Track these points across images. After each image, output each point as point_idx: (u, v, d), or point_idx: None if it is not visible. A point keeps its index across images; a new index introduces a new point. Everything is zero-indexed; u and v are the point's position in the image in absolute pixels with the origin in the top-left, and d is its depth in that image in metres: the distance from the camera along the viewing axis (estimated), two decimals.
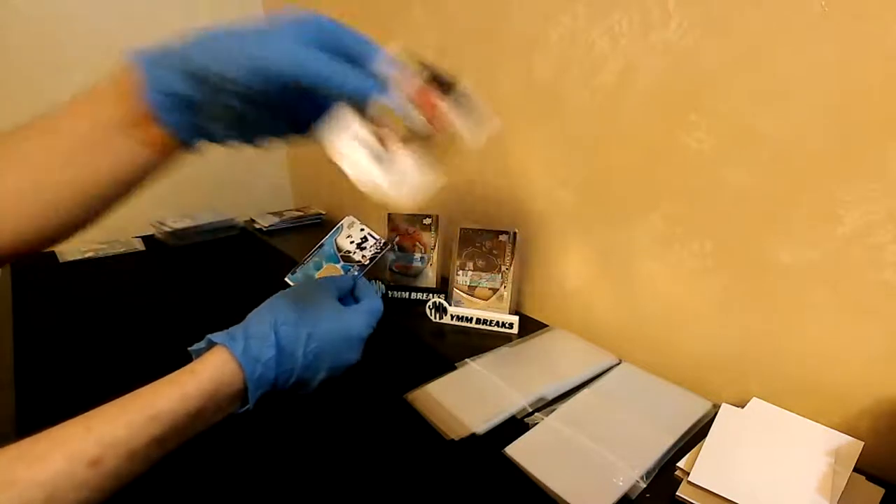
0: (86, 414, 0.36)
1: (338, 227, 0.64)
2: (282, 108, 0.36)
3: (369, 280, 0.80)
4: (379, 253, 0.63)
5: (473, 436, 0.52)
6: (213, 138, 0.38)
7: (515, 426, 0.53)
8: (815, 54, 0.44)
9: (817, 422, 0.50)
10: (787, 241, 0.49)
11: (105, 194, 0.37)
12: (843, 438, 0.48)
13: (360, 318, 0.48)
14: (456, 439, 0.51)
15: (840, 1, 0.42)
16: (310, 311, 0.46)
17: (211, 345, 0.43)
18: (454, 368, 0.62)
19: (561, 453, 0.49)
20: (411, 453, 0.50)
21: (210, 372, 0.40)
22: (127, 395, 0.38)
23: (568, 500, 0.44)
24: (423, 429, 0.53)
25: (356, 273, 0.57)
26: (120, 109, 0.35)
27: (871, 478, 0.45)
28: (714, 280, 0.56)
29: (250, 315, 0.46)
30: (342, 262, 0.63)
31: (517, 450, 0.50)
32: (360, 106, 0.34)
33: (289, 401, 0.58)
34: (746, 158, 0.50)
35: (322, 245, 0.65)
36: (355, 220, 0.63)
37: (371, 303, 0.51)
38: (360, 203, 1.12)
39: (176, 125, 0.36)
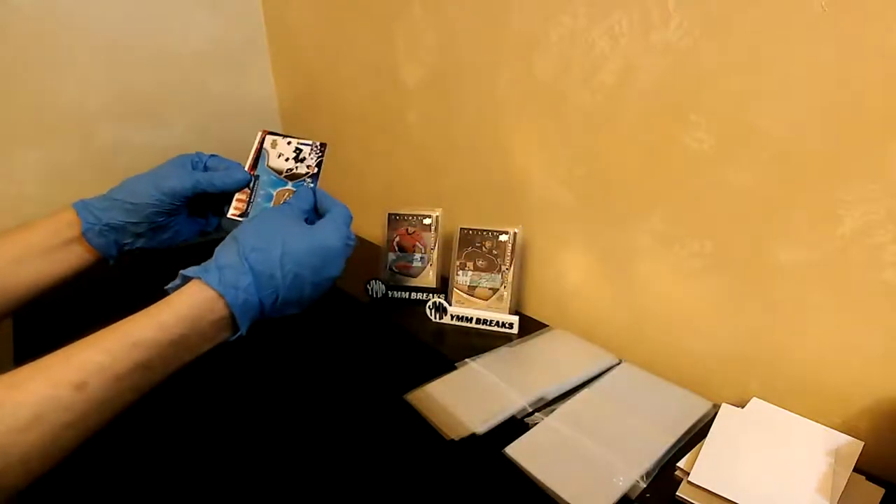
0: (66, 347, 0.37)
1: (261, 153, 0.58)
2: (184, 212, 0.54)
3: (372, 280, 0.80)
4: (321, 154, 0.60)
5: (473, 436, 0.52)
6: (133, 248, 0.54)
7: (515, 426, 0.53)
8: (815, 54, 0.44)
9: (817, 422, 0.50)
10: (787, 241, 0.49)
11: (33, 290, 0.50)
12: (843, 438, 0.48)
13: (330, 228, 0.49)
14: (456, 439, 0.51)
15: (840, 1, 0.42)
16: (276, 234, 0.46)
17: (186, 280, 0.44)
18: (454, 368, 0.62)
19: (561, 453, 0.49)
20: (411, 453, 0.50)
21: (187, 301, 0.41)
22: (104, 329, 0.39)
23: (568, 500, 0.44)
24: (423, 429, 0.53)
25: (311, 185, 0.57)
26: (61, 233, 0.50)
27: (871, 478, 0.45)
28: (714, 280, 0.56)
29: (217, 249, 0.46)
30: (290, 183, 0.58)
31: (517, 450, 0.50)
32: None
33: (289, 401, 0.58)
34: (746, 158, 0.50)
35: (258, 177, 0.58)
36: (273, 135, 0.59)
37: (337, 211, 0.51)
38: (359, 203, 1.12)
39: (100, 245, 0.52)
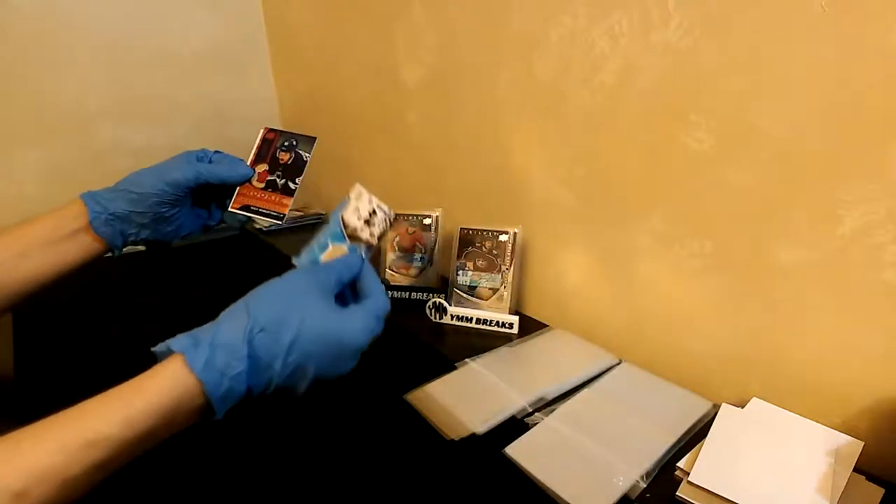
0: (14, 435, 0.32)
1: (345, 200, 0.56)
2: (187, 204, 0.55)
3: None
4: (388, 227, 0.57)
5: (473, 436, 0.52)
6: (136, 239, 0.54)
7: (515, 426, 0.53)
8: (815, 54, 0.44)
9: (817, 422, 0.50)
10: (787, 241, 0.49)
11: (41, 281, 0.50)
12: (843, 438, 0.48)
13: (358, 322, 0.41)
14: (456, 439, 0.51)
15: (840, 1, 0.42)
16: (297, 311, 0.39)
17: (169, 352, 0.37)
18: (454, 368, 0.62)
19: (561, 453, 0.49)
20: (411, 453, 0.50)
21: (161, 388, 0.35)
22: (64, 413, 0.34)
23: (568, 500, 0.44)
24: (423, 429, 0.53)
25: (362, 255, 0.50)
26: (68, 224, 0.51)
27: (871, 478, 0.45)
28: (714, 280, 0.56)
29: (224, 313, 0.39)
30: (348, 242, 0.54)
31: (517, 450, 0.50)
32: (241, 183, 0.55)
33: (288, 401, 0.58)
34: (746, 158, 0.50)
35: (328, 221, 0.58)
36: (363, 189, 0.56)
37: (375, 301, 0.44)
38: None
39: (106, 235, 0.52)
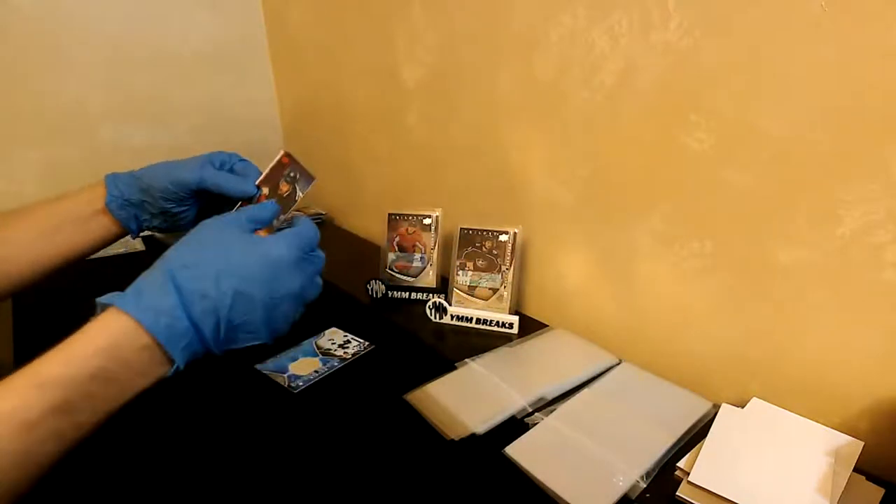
0: None
1: (320, 333, 0.66)
2: (194, 205, 0.55)
3: (372, 280, 0.80)
4: (362, 351, 0.65)
5: (473, 436, 0.52)
6: (150, 225, 0.55)
7: (515, 426, 0.53)
8: (815, 54, 0.44)
9: (817, 422, 0.50)
10: (787, 241, 0.49)
11: (69, 257, 0.52)
12: (843, 438, 0.48)
13: (281, 240, 0.42)
14: (456, 439, 0.51)
15: (840, 1, 0.42)
16: (213, 247, 0.40)
17: (102, 307, 0.38)
18: (454, 368, 0.62)
19: (561, 453, 0.49)
20: (411, 453, 0.50)
21: (99, 330, 0.36)
22: (15, 371, 0.34)
23: (568, 500, 0.44)
24: (423, 429, 0.53)
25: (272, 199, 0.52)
26: (93, 203, 0.52)
27: (871, 478, 0.45)
28: (714, 280, 0.56)
29: (143, 272, 0.41)
30: (321, 356, 0.64)
31: (517, 450, 0.50)
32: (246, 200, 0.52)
33: (288, 400, 0.58)
34: (746, 158, 0.50)
35: (300, 344, 0.66)
36: (338, 330, 0.66)
37: (298, 224, 0.45)
38: (359, 203, 1.12)
39: (122, 218, 0.53)
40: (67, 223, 0.51)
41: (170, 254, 0.40)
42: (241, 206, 0.53)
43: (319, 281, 0.45)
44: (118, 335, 0.36)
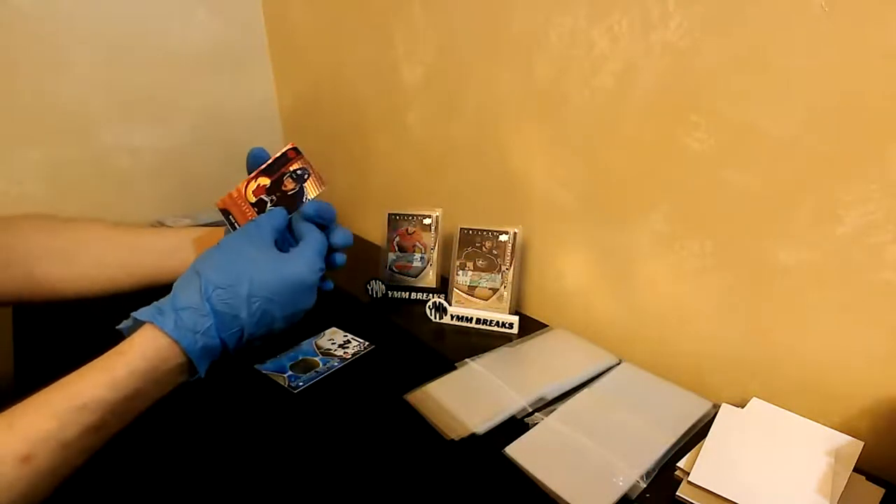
0: (10, 410, 0.34)
1: (320, 334, 0.67)
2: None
3: (372, 280, 0.80)
4: (362, 351, 0.66)
5: (473, 436, 0.52)
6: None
7: (515, 426, 0.53)
8: (816, 54, 0.44)
9: (817, 422, 0.50)
10: (787, 241, 0.49)
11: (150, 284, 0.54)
12: (843, 438, 0.48)
13: (301, 260, 0.45)
14: (456, 439, 0.51)
15: (840, 1, 0.42)
16: (243, 268, 0.43)
17: (138, 323, 0.40)
18: (454, 368, 0.62)
19: (561, 453, 0.49)
20: (411, 453, 0.50)
21: (140, 352, 0.38)
22: (52, 386, 0.36)
23: (568, 500, 0.44)
24: (423, 429, 0.53)
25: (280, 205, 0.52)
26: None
27: (871, 478, 0.45)
28: (714, 280, 0.56)
29: (177, 282, 0.43)
30: (321, 357, 0.65)
31: (517, 450, 0.50)
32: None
33: (288, 400, 0.58)
34: (746, 158, 0.50)
35: (300, 345, 0.67)
36: (338, 330, 0.66)
37: (311, 239, 0.48)
38: (359, 204, 1.12)
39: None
40: (167, 252, 0.54)
41: (202, 270, 0.42)
42: (230, 193, 0.51)
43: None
44: (158, 357, 0.39)
